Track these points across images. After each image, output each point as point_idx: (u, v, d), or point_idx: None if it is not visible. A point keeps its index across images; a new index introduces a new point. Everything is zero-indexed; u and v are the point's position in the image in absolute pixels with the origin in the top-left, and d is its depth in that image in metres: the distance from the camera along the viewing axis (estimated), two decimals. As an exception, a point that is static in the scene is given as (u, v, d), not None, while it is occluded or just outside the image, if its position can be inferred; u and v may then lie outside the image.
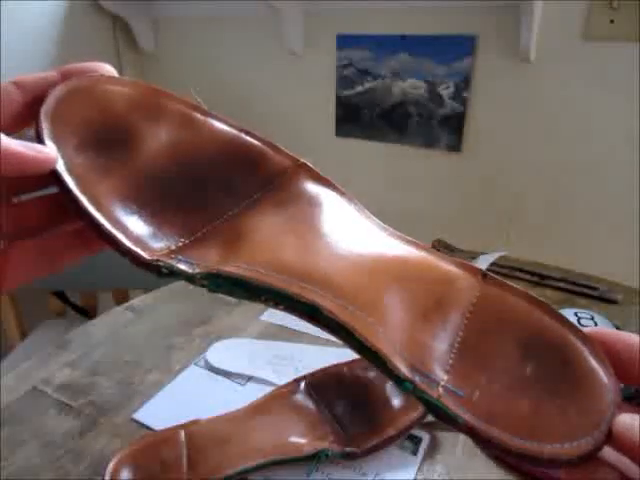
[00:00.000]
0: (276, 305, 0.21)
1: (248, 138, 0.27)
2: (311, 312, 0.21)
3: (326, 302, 0.21)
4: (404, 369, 0.20)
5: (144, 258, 0.21)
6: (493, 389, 0.20)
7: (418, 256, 0.24)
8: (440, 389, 0.20)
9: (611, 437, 0.18)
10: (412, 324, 0.22)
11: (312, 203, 0.26)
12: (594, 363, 0.20)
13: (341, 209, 0.26)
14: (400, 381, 0.20)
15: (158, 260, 0.21)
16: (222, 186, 0.25)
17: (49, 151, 0.20)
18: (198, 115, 0.26)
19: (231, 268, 0.21)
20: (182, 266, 0.21)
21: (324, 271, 0.22)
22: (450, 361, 0.21)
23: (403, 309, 0.22)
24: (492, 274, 0.24)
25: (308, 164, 0.27)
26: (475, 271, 0.24)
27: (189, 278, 0.21)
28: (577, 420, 0.19)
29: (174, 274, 0.21)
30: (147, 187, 0.23)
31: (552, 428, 0.19)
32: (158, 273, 0.21)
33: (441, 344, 0.21)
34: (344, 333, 0.20)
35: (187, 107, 0.26)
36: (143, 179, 0.24)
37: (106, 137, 0.23)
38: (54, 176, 0.21)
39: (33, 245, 0.22)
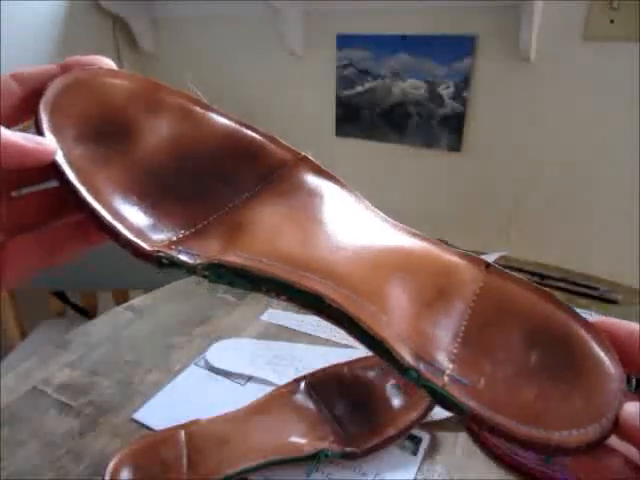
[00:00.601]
0: (277, 296, 0.21)
1: (248, 131, 0.27)
2: (313, 302, 0.21)
3: (329, 291, 0.20)
4: (408, 357, 0.20)
5: (144, 249, 0.21)
6: (498, 378, 0.20)
7: (421, 247, 0.24)
8: (445, 378, 0.20)
9: (618, 425, 0.18)
10: (416, 313, 0.22)
11: (313, 194, 0.26)
12: (599, 351, 0.20)
13: (343, 200, 0.26)
14: (404, 369, 0.19)
15: (158, 251, 0.21)
16: (222, 179, 0.25)
17: (48, 142, 0.20)
18: (198, 109, 0.26)
19: (233, 258, 0.21)
20: (183, 257, 0.21)
21: (326, 261, 0.22)
22: (454, 350, 0.21)
23: (406, 299, 0.22)
24: (495, 264, 0.24)
25: (309, 157, 0.27)
26: (478, 262, 0.24)
27: (190, 269, 0.21)
28: (584, 408, 0.19)
29: (175, 265, 0.21)
30: (147, 179, 0.23)
31: (559, 415, 0.19)
32: (158, 264, 0.21)
33: (445, 333, 0.21)
34: (347, 322, 0.20)
35: (187, 100, 0.26)
36: (143, 171, 0.23)
37: (105, 129, 0.23)
38: (53, 167, 0.21)
39: (33, 238, 0.22)
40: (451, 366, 0.20)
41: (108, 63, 0.25)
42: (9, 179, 0.22)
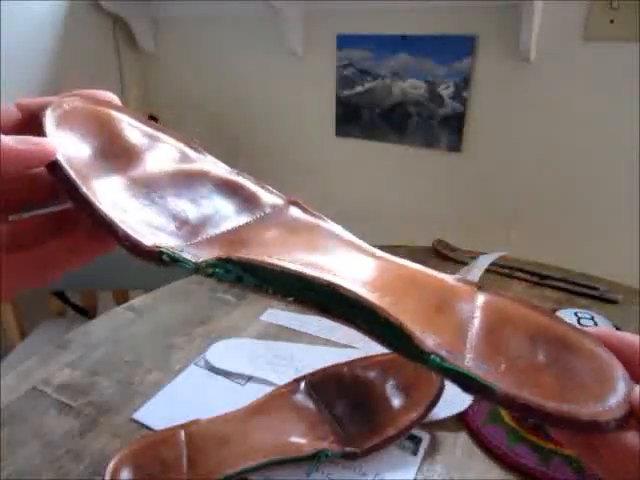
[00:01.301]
0: (284, 297, 0.21)
1: (240, 178, 0.27)
2: (325, 297, 0.21)
3: (342, 282, 0.20)
4: (429, 343, 0.20)
5: (144, 245, 0.20)
6: (515, 367, 0.20)
7: (417, 268, 0.25)
8: (467, 363, 0.20)
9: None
10: (427, 312, 0.22)
11: (307, 226, 0.26)
12: (597, 348, 0.21)
13: (335, 232, 0.27)
14: (426, 355, 0.19)
15: (159, 247, 0.21)
16: (217, 211, 0.25)
17: (49, 142, 0.21)
18: (193, 152, 0.27)
19: (241, 254, 0.21)
20: (186, 255, 0.21)
21: (334, 265, 0.22)
22: (467, 346, 0.21)
23: (416, 300, 0.22)
24: (486, 286, 0.25)
25: (299, 201, 0.28)
26: (471, 283, 0.25)
27: (194, 267, 0.21)
28: (601, 390, 0.20)
29: (177, 262, 0.21)
30: (144, 195, 0.23)
31: (582, 396, 0.19)
32: (159, 261, 0.20)
33: (456, 332, 0.22)
34: (363, 313, 0.20)
35: (184, 144, 0.27)
36: (140, 187, 0.24)
37: (106, 149, 0.24)
38: (53, 167, 0.21)
39: (28, 256, 0.22)
40: (469, 355, 0.20)
41: (111, 96, 0.25)
42: (7, 203, 0.22)
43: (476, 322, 0.22)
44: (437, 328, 0.21)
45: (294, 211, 0.27)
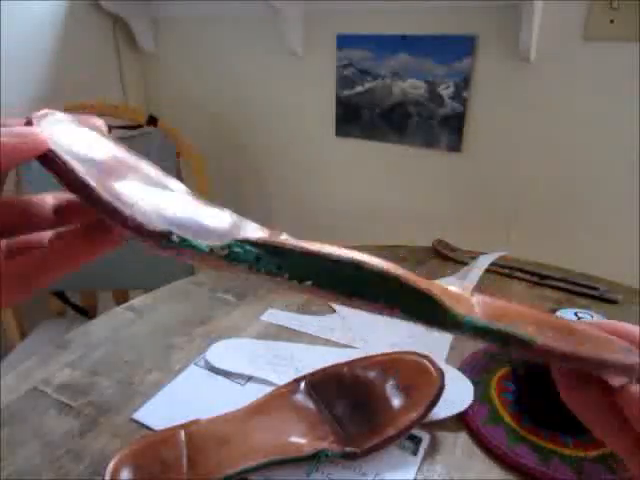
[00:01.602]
0: (301, 282, 0.20)
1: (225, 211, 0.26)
2: (348, 276, 0.20)
3: (366, 259, 0.21)
4: (461, 307, 0.21)
5: (151, 225, 0.19)
6: (539, 331, 0.22)
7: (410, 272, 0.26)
8: (499, 324, 0.21)
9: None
10: (441, 292, 0.23)
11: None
12: (600, 332, 0.23)
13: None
14: (460, 317, 0.21)
15: (167, 229, 0.19)
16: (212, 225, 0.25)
17: (40, 132, 0.20)
18: (172, 182, 0.26)
19: (258, 236, 0.21)
20: (197, 239, 0.20)
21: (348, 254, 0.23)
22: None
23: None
24: (482, 289, 0.26)
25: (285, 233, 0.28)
26: (465, 287, 0.26)
27: (207, 247, 0.20)
28: (615, 352, 0.22)
29: (185, 243, 0.19)
30: (144, 194, 0.23)
31: (603, 351, 0.21)
32: (167, 242, 0.19)
33: (471, 309, 0.22)
34: (389, 286, 0.20)
35: (162, 174, 0.26)
36: (138, 190, 0.23)
37: (94, 156, 0.23)
38: (46, 158, 0.20)
39: (29, 260, 0.22)
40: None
41: (99, 122, 0.25)
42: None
43: (479, 313, 0.23)
44: (455, 302, 0.22)
45: (284, 237, 0.27)
